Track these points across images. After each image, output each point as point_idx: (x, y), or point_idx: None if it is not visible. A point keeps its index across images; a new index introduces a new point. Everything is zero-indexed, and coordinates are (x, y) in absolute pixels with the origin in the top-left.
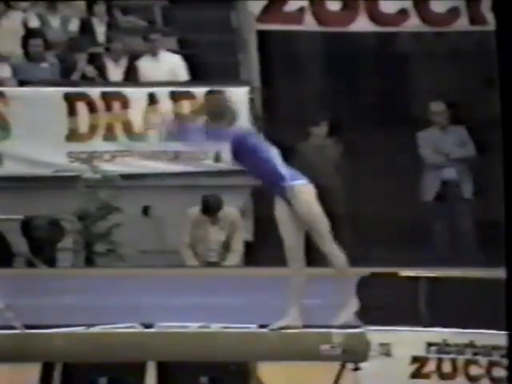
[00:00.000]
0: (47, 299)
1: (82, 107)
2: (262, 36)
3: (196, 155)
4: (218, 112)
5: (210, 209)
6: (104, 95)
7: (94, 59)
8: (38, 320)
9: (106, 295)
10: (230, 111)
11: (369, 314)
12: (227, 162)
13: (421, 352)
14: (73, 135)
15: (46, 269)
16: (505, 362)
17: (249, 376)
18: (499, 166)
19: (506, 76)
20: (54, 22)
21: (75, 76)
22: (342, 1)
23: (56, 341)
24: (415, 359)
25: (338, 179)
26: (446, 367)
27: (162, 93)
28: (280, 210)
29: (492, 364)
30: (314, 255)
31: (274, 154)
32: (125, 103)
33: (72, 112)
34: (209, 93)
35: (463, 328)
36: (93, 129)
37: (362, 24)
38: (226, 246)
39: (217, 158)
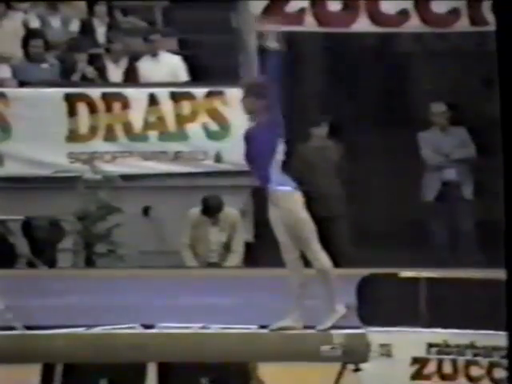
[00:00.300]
0: (47, 300)
1: (82, 108)
2: (262, 36)
3: (196, 156)
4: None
5: (211, 210)
6: (104, 96)
7: (94, 60)
8: (39, 321)
9: (106, 296)
10: None
11: (369, 315)
12: (227, 162)
13: (421, 353)
14: (73, 136)
15: (47, 269)
16: (505, 362)
17: (249, 376)
18: (499, 167)
19: (505, 76)
20: (55, 22)
21: (75, 77)
22: (343, 1)
23: (56, 342)
24: (416, 360)
25: (339, 180)
26: (447, 368)
27: (163, 93)
28: (271, 211)
29: (492, 365)
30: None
31: (275, 154)
32: (125, 104)
33: (72, 112)
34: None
35: (464, 329)
36: (93, 129)
37: (362, 25)
38: (227, 247)
39: (217, 159)
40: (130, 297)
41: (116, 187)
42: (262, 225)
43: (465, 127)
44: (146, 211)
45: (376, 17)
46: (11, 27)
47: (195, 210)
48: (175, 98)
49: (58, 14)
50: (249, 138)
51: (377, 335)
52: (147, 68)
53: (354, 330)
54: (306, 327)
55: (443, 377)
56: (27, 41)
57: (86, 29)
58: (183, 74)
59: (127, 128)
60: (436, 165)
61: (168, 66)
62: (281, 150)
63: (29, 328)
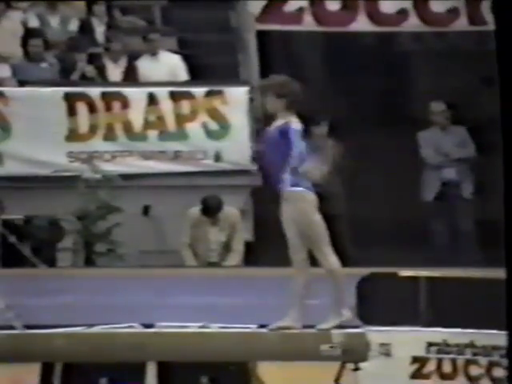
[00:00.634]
0: (47, 299)
1: (81, 107)
2: (262, 36)
3: (196, 155)
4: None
5: (210, 210)
6: (104, 95)
7: (93, 59)
8: (38, 320)
9: (105, 295)
10: None
11: (369, 314)
12: (227, 161)
13: (421, 352)
14: (73, 135)
15: (46, 269)
16: (505, 362)
17: (249, 376)
18: (499, 166)
19: (505, 76)
20: (54, 22)
21: (75, 76)
22: (342, 1)
23: (56, 341)
24: (415, 359)
25: (338, 179)
26: (446, 367)
27: (162, 93)
28: (284, 211)
29: (492, 364)
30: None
31: (291, 155)
32: (125, 103)
33: (72, 112)
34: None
35: (463, 328)
36: (93, 129)
37: (361, 24)
38: (226, 247)
39: (217, 158)
40: (130, 296)
41: (116, 186)
42: (261, 224)
43: (464, 126)
44: (145, 210)
45: (375, 16)
46: (10, 27)
47: (195, 210)
48: (175, 97)
49: (58, 13)
50: (267, 137)
51: (376, 334)
52: (147, 67)
53: (353, 330)
54: (305, 326)
55: (443, 376)
56: (26, 40)
57: (86, 28)
58: (183, 74)
59: (127, 127)
60: (436, 164)
61: (167, 65)
62: (297, 150)
63: (28, 327)
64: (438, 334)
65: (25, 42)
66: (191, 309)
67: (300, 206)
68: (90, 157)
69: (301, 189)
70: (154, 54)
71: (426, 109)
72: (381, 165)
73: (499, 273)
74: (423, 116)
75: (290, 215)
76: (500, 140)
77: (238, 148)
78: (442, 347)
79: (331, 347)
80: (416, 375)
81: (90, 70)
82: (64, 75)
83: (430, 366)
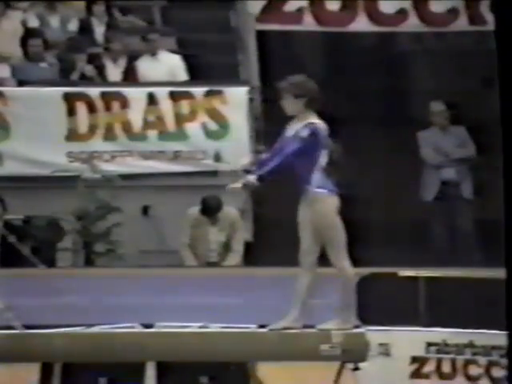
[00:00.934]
0: (47, 299)
1: (81, 107)
2: (262, 36)
3: (195, 155)
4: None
5: (210, 210)
6: (103, 95)
7: (93, 59)
8: (38, 320)
9: (105, 295)
10: None
11: (369, 314)
12: (227, 161)
13: (420, 352)
14: (72, 135)
15: (46, 269)
16: (504, 361)
17: (248, 376)
18: (499, 166)
19: (505, 76)
20: (54, 22)
21: (74, 76)
22: (342, 1)
23: (55, 341)
24: (415, 359)
25: (338, 179)
26: (446, 367)
27: (162, 93)
28: (302, 212)
29: (491, 364)
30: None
31: (318, 157)
32: (124, 103)
33: (71, 112)
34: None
35: (463, 328)
36: (92, 129)
37: (361, 24)
38: (226, 247)
39: (216, 158)
40: (130, 296)
41: (115, 186)
42: (261, 224)
43: (464, 126)
44: (145, 210)
45: (375, 16)
46: (10, 27)
47: (194, 210)
48: (174, 97)
49: (57, 13)
50: (289, 138)
51: (376, 334)
52: (146, 67)
53: (353, 329)
54: (305, 326)
55: (442, 376)
56: (26, 40)
57: (85, 28)
58: (182, 74)
59: (126, 127)
60: (436, 164)
61: (167, 65)
62: (325, 152)
63: (28, 327)
64: (438, 333)
65: (24, 42)
66: (191, 309)
67: (322, 208)
68: (90, 157)
69: (325, 191)
70: (153, 54)
71: (426, 109)
72: (381, 165)
73: (499, 273)
74: (423, 116)
75: (310, 216)
76: (500, 140)
77: (237, 148)
78: (442, 347)
79: (331, 347)
80: (415, 375)
81: (90, 69)
82: (63, 75)
83: (430, 366)
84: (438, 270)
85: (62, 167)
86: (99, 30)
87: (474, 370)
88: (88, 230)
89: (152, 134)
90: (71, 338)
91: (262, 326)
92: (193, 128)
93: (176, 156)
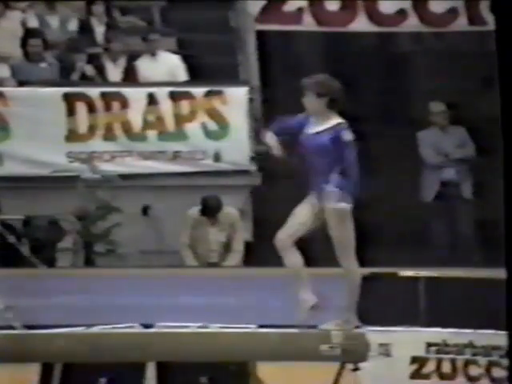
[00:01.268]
0: (47, 299)
1: (81, 107)
2: (261, 36)
3: (195, 155)
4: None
5: (210, 210)
6: (103, 95)
7: (92, 59)
8: (38, 320)
9: (105, 295)
10: None
11: (369, 314)
12: (227, 161)
13: (420, 352)
14: (72, 135)
15: (46, 269)
16: (504, 362)
17: (248, 376)
18: (499, 166)
19: (505, 76)
20: (53, 22)
21: (74, 76)
22: (341, 1)
23: (56, 341)
24: (415, 359)
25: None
26: (446, 367)
27: (162, 93)
28: (302, 207)
29: (491, 364)
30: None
31: (339, 158)
32: (124, 103)
33: (71, 112)
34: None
35: (463, 328)
36: (92, 129)
37: (360, 24)
38: (226, 247)
39: (216, 158)
40: (130, 296)
41: (115, 187)
42: (261, 224)
43: (464, 127)
44: (145, 211)
45: (374, 16)
46: (10, 27)
47: (194, 210)
48: (174, 97)
49: (57, 13)
50: (314, 137)
51: (376, 334)
52: (146, 67)
53: (353, 330)
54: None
55: (442, 376)
56: (26, 40)
57: (85, 28)
58: (182, 74)
59: (126, 127)
60: (435, 164)
61: (167, 65)
62: (347, 153)
63: (28, 327)
64: (438, 334)
65: (24, 42)
66: (191, 309)
67: (338, 208)
68: (90, 157)
69: (343, 191)
70: (153, 54)
71: (426, 109)
72: (380, 165)
73: (499, 273)
74: (423, 116)
75: (314, 214)
76: (500, 140)
77: (237, 148)
78: (442, 347)
79: (331, 347)
80: (415, 375)
81: (90, 69)
82: (63, 75)
83: (430, 366)
84: (438, 269)
85: (62, 167)
86: (99, 30)
87: (474, 371)
88: (88, 230)
89: (152, 134)
90: (71, 338)
91: (262, 326)
92: (192, 128)
93: (176, 156)
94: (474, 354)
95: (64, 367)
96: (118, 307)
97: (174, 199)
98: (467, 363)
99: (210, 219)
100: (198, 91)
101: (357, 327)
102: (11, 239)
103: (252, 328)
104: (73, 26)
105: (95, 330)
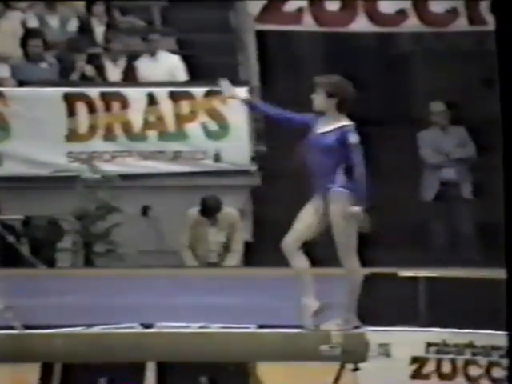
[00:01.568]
0: (46, 299)
1: (81, 107)
2: (261, 36)
3: (195, 155)
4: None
5: (209, 210)
6: (103, 95)
7: (92, 59)
8: (38, 320)
9: (105, 295)
10: None
11: (369, 314)
12: (227, 162)
13: (420, 352)
14: (72, 135)
15: (46, 269)
16: (504, 362)
17: (248, 376)
18: (499, 166)
19: (505, 76)
20: (53, 22)
21: (74, 76)
22: (341, 1)
23: (55, 341)
24: (415, 359)
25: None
26: (446, 367)
27: (162, 93)
28: (307, 210)
29: (491, 364)
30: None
31: (343, 157)
32: (124, 103)
33: (71, 112)
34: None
35: (463, 328)
36: (92, 129)
37: (360, 24)
38: (226, 247)
39: (216, 158)
40: (129, 296)
41: (115, 187)
42: (261, 224)
43: (464, 126)
44: (145, 211)
45: (374, 16)
46: (10, 27)
47: (193, 211)
48: (174, 97)
49: (57, 13)
50: (320, 137)
51: (376, 335)
52: (146, 67)
53: (353, 330)
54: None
55: (442, 376)
56: (26, 40)
57: (85, 28)
58: (182, 74)
59: (126, 127)
60: (435, 164)
61: (167, 65)
62: (352, 155)
63: (28, 327)
64: (438, 334)
65: (24, 43)
66: (191, 309)
67: (341, 208)
68: (90, 157)
69: (347, 191)
70: (153, 54)
71: (426, 109)
72: (380, 165)
73: (499, 273)
74: (423, 116)
75: (318, 214)
76: (500, 140)
77: (237, 148)
78: (442, 347)
79: (331, 347)
80: (415, 375)
81: (90, 69)
82: (63, 75)
83: (430, 366)
84: (438, 270)
85: (62, 167)
86: (99, 30)
87: (474, 371)
88: (88, 231)
89: (152, 134)
90: (71, 339)
91: (261, 326)
92: (193, 128)
93: (176, 156)
94: (474, 354)
95: (64, 367)
96: (117, 307)
97: (173, 199)
98: (467, 363)
99: (209, 219)
100: (198, 91)
101: (357, 327)
102: (11, 239)
103: (252, 328)
104: (73, 26)
105: (95, 329)
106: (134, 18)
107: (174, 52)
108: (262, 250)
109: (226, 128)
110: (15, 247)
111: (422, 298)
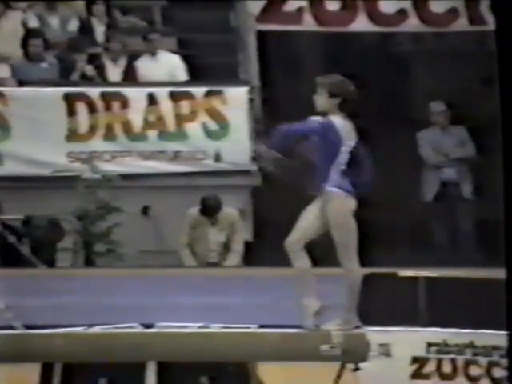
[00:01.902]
0: (47, 299)
1: (81, 107)
2: (262, 36)
3: (195, 155)
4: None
5: (209, 210)
6: (103, 95)
7: (93, 59)
8: (38, 320)
9: (105, 295)
10: None
11: (369, 314)
12: (227, 161)
13: (421, 352)
14: (72, 135)
15: (46, 269)
16: (504, 362)
17: (248, 376)
18: (499, 166)
19: (505, 76)
20: (54, 22)
21: (75, 76)
22: (342, 1)
23: (56, 341)
24: (415, 359)
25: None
26: (446, 367)
27: (162, 93)
28: (310, 209)
29: (492, 364)
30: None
31: (338, 155)
32: (124, 103)
33: (71, 112)
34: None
35: (463, 328)
36: (92, 129)
37: (361, 24)
38: (226, 247)
39: (216, 158)
40: (130, 296)
41: (115, 187)
42: (261, 224)
43: (464, 126)
44: (145, 210)
45: (375, 16)
46: (10, 27)
47: (193, 211)
48: (174, 97)
49: (57, 13)
50: (318, 134)
51: (376, 334)
52: (146, 67)
53: (353, 330)
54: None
55: (442, 376)
56: (26, 40)
57: (85, 28)
58: (182, 74)
59: (126, 127)
60: (435, 164)
61: (167, 65)
62: (345, 151)
63: (28, 327)
64: (438, 334)
65: (25, 42)
66: (191, 309)
67: (337, 207)
68: (90, 157)
69: (342, 190)
70: (153, 54)
71: (426, 109)
72: (380, 165)
73: (499, 273)
74: (423, 116)
75: (323, 214)
76: (500, 140)
77: (237, 148)
78: (442, 347)
79: (331, 347)
80: (416, 375)
81: (90, 69)
82: (64, 75)
83: (430, 366)
84: (438, 270)
85: (62, 167)
86: (99, 30)
87: (474, 371)
88: (88, 230)
89: (152, 134)
90: (71, 338)
91: (262, 326)
92: (193, 128)
93: (176, 156)
94: (475, 354)
95: (64, 367)
96: (118, 307)
97: (174, 199)
98: (467, 363)
99: (209, 219)
100: (199, 91)
101: (357, 327)
102: (11, 239)
103: (252, 328)
104: (73, 25)
105: (95, 329)
106: (135, 17)
107: (174, 52)
108: (262, 249)
109: (226, 128)
110: (16, 247)
111: (422, 298)
